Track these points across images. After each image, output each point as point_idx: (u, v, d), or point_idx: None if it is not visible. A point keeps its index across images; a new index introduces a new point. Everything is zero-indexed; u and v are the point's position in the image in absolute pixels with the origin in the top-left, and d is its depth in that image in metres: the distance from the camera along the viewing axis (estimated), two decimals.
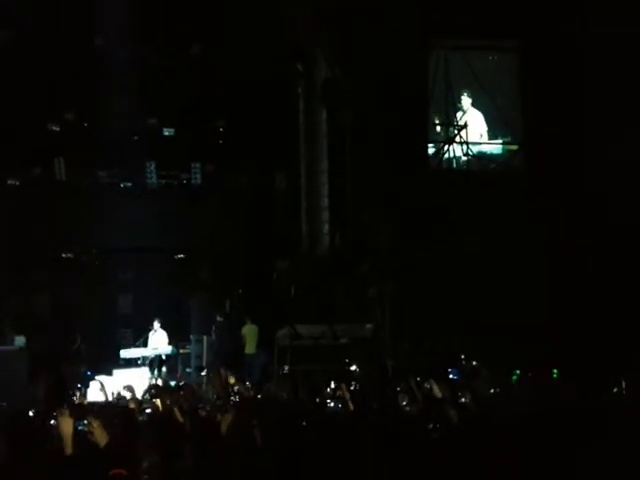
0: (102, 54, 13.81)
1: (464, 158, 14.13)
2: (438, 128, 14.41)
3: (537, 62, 13.89)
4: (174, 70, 13.86)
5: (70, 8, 13.14)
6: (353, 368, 11.31)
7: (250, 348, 12.42)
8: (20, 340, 12.53)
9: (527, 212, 13.32)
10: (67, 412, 6.50)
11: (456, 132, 14.06)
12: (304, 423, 6.44)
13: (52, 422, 6.42)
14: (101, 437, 5.70)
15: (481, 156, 14.30)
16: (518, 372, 9.27)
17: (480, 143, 14.49)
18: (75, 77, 13.51)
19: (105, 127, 13.93)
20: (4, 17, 13.12)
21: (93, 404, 9.20)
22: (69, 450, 5.63)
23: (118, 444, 5.66)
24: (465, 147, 13.96)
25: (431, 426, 6.04)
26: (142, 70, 13.59)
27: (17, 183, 14.27)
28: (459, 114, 14.35)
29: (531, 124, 14.20)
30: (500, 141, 14.61)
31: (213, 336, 12.60)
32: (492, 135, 14.64)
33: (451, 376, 9.48)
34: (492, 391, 8.01)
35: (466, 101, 14.47)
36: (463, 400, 7.48)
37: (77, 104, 14.09)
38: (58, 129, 14.31)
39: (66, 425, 5.99)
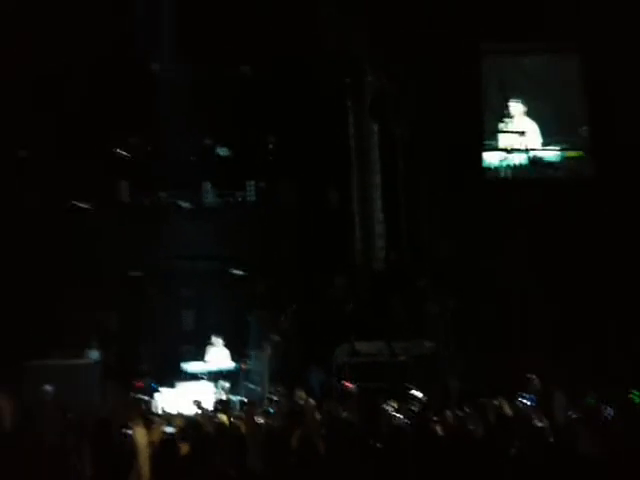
0: (158, 78, 14.24)
1: (523, 165, 13.69)
2: (495, 136, 14.01)
3: (597, 63, 13.28)
4: (226, 90, 14.09)
5: (128, 35, 13.59)
6: (412, 387, 11.16)
7: None
8: (93, 354, 13.12)
9: (594, 219, 12.77)
10: (141, 423, 6.78)
11: (515, 138, 13.63)
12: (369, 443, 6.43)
13: (128, 432, 6.68)
14: (182, 446, 5.96)
15: (541, 163, 13.82)
16: (593, 395, 8.64)
17: (539, 149, 14.00)
18: (136, 102, 13.99)
19: (165, 149, 14.34)
20: (70, 47, 13.77)
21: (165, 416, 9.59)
22: (145, 460, 5.91)
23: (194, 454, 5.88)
24: (524, 154, 13.52)
25: (508, 449, 5.86)
26: (196, 92, 13.91)
27: (86, 206, 14.94)
28: (514, 121, 13.90)
29: (595, 128, 13.59)
30: (560, 147, 14.07)
31: (269, 352, 12.76)
32: (547, 142, 14.12)
33: (525, 400, 9.03)
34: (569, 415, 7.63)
35: (520, 109, 14.01)
36: (538, 424, 7.18)
37: (139, 128, 14.60)
38: (123, 153, 14.90)
39: (141, 435, 6.29)
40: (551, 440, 6.27)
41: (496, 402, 8.05)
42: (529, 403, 8.79)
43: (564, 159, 14.10)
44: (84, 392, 11.33)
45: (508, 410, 7.45)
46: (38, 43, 13.50)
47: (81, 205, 14.81)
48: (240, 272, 14.75)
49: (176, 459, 6.11)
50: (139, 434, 6.34)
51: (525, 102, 13.96)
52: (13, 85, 13.53)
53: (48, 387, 11.02)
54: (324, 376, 12.24)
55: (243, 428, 7.46)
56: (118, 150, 14.78)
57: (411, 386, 10.93)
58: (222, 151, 14.53)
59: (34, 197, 14.32)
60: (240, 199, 14.70)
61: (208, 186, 14.57)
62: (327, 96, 14.02)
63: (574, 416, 7.38)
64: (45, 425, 6.78)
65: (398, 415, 8.14)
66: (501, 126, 13.82)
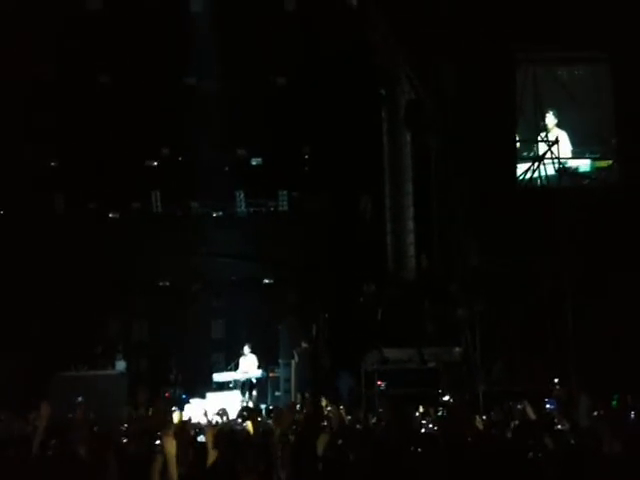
0: (192, 90, 14.49)
1: (555, 174, 13.65)
2: (528, 145, 14.01)
3: (629, 73, 13.29)
4: (260, 101, 14.28)
5: (160, 48, 13.87)
6: (442, 393, 11.06)
7: None
8: (121, 365, 13.14)
9: (625, 228, 12.66)
10: (171, 433, 6.77)
11: (547, 148, 13.62)
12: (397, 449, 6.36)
13: (157, 442, 6.67)
14: (211, 453, 5.92)
15: (573, 172, 13.77)
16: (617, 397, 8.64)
17: (571, 158, 13.96)
18: (169, 113, 14.23)
19: (197, 160, 14.52)
20: (104, 60, 14.11)
21: (194, 425, 9.56)
22: (173, 469, 5.88)
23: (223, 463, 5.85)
24: (557, 163, 13.49)
25: (529, 454, 5.80)
26: (230, 103, 14.12)
27: (118, 216, 15.11)
28: (547, 130, 13.91)
29: (626, 138, 13.55)
30: (591, 157, 14.03)
31: (297, 360, 12.71)
32: (578, 151, 14.10)
33: (548, 405, 8.92)
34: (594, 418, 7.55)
35: (551, 120, 14.03)
36: (560, 427, 7.12)
37: (171, 139, 14.82)
38: (155, 164, 15.10)
39: (170, 445, 6.26)
40: (573, 442, 6.19)
41: (520, 406, 7.98)
42: (552, 407, 8.76)
43: (595, 169, 14.06)
44: (112, 402, 11.39)
45: (532, 414, 7.36)
46: (72, 51, 13.85)
47: (113, 215, 15.01)
48: (271, 280, 14.81)
49: (206, 467, 6.09)
50: (169, 444, 6.31)
51: (557, 112, 13.99)
52: (47, 94, 13.83)
53: (80, 398, 11.10)
54: (353, 383, 12.17)
55: (268, 434, 7.44)
56: (151, 160, 15.00)
57: (440, 392, 10.86)
58: (256, 161, 14.70)
59: (66, 207, 14.57)
60: (272, 208, 14.82)
61: (241, 195, 14.72)
62: (362, 106, 14.15)
63: (597, 419, 7.28)
64: (73, 436, 6.80)
65: (426, 421, 8.08)
66: (534, 136, 13.82)
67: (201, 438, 8.65)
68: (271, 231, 14.75)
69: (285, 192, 14.75)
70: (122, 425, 9.12)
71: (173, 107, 14.22)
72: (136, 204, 15.01)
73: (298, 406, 10.29)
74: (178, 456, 6.41)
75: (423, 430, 7.85)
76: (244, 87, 14.31)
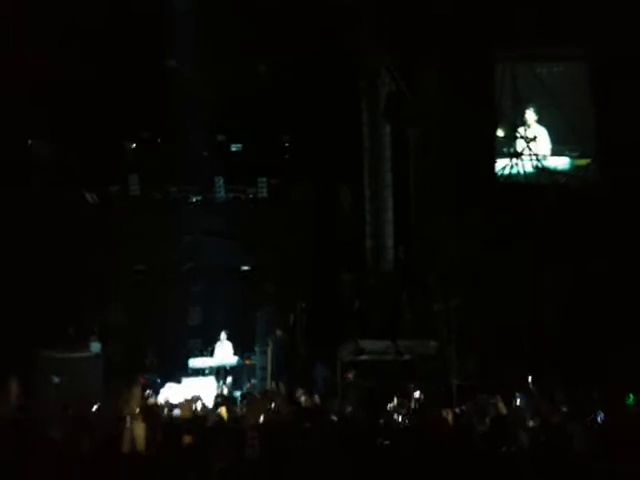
0: (173, 74, 14.33)
1: (533, 171, 13.79)
2: (506, 141, 14.11)
3: (608, 71, 13.42)
4: (241, 87, 14.18)
5: (142, 31, 13.67)
6: (416, 386, 11.19)
7: None
8: (96, 346, 13.09)
9: (601, 225, 12.87)
10: (140, 416, 6.91)
11: (525, 145, 13.74)
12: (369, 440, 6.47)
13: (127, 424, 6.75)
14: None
15: (551, 170, 13.92)
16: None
17: (549, 156, 14.11)
18: (148, 96, 14.06)
19: (176, 144, 14.41)
20: (84, 41, 13.85)
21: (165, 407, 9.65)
22: (142, 448, 6.03)
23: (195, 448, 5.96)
24: (535, 160, 13.62)
25: (500, 447, 5.91)
26: (211, 88, 13.99)
27: (95, 198, 14.94)
28: (526, 127, 14.02)
29: (604, 136, 13.71)
30: (570, 155, 14.19)
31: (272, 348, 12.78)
32: (557, 150, 14.24)
33: (519, 400, 9.09)
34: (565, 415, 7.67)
35: (531, 116, 14.13)
36: (531, 424, 7.25)
37: (150, 122, 14.66)
38: (133, 146, 14.94)
39: (138, 427, 6.41)
40: (543, 439, 6.33)
41: (492, 400, 8.12)
42: (523, 401, 8.89)
43: (574, 167, 14.22)
44: (86, 384, 11.39)
45: (503, 408, 7.51)
46: (54, 36, 13.59)
47: (90, 197, 14.84)
48: (249, 268, 14.82)
49: (178, 449, 6.21)
50: (137, 427, 6.47)
51: (537, 109, 14.09)
52: (27, 76, 13.59)
53: (56, 379, 11.10)
54: (329, 373, 12.27)
55: (242, 421, 7.58)
56: (129, 143, 14.83)
57: (413, 385, 11.00)
58: (236, 147, 14.63)
59: (43, 187, 14.38)
60: (251, 195, 14.78)
61: (220, 181, 14.66)
62: (342, 96, 14.12)
63: (567, 415, 7.44)
64: (46, 416, 6.85)
65: (398, 413, 8.21)
66: (512, 132, 13.92)
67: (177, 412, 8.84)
68: (250, 218, 14.73)
69: (265, 179, 14.73)
70: (95, 407, 9.24)
71: (153, 90, 14.06)
72: (114, 187, 14.88)
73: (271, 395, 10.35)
74: (147, 438, 6.61)
75: (396, 422, 8.00)
76: (226, 72, 14.17)
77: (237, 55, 14.02)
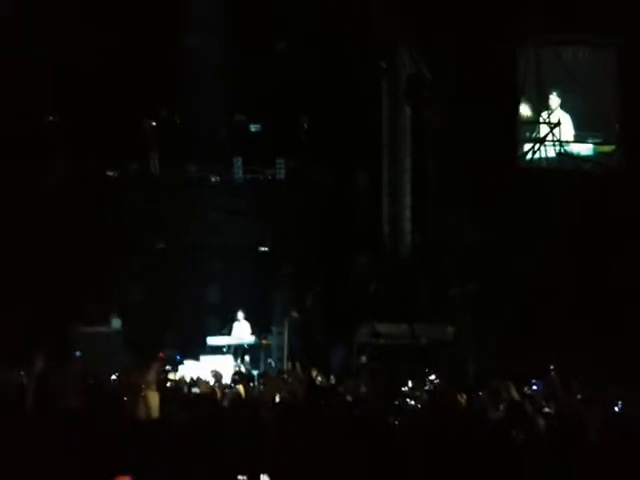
0: (193, 53, 14.27)
1: (555, 157, 13.62)
2: (529, 126, 13.91)
3: (635, 58, 13.13)
4: (261, 67, 14.11)
5: (162, 9, 13.61)
6: (431, 370, 11.25)
7: None
8: (117, 322, 13.36)
9: (623, 213, 12.71)
10: (154, 388, 7.17)
11: (548, 130, 13.55)
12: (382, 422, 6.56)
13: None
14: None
15: (574, 156, 13.73)
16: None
17: (572, 142, 13.91)
18: (168, 75, 14.04)
19: (195, 123, 14.41)
20: (104, 19, 13.83)
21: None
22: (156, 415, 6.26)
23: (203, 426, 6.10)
24: (558, 146, 13.43)
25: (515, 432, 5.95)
26: (230, 68, 13.94)
27: (115, 175, 15.05)
28: (550, 112, 13.81)
29: (630, 124, 13.48)
30: (593, 142, 13.97)
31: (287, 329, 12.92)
32: (581, 136, 14.03)
33: (534, 387, 9.11)
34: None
35: (555, 101, 13.91)
36: (547, 410, 7.27)
37: (170, 101, 14.67)
38: (153, 125, 14.96)
39: (153, 397, 6.68)
40: (557, 425, 6.35)
41: (505, 386, 8.13)
42: (538, 388, 8.87)
43: (597, 153, 14.03)
44: (107, 358, 11.64)
45: (515, 395, 7.53)
46: (72, 15, 13.57)
47: (110, 174, 14.96)
48: (267, 249, 14.90)
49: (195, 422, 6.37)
50: (152, 396, 6.70)
51: (561, 94, 13.88)
52: (46, 53, 13.61)
53: (78, 353, 11.36)
54: (345, 354, 12.39)
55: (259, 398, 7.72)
56: (149, 121, 14.86)
57: (429, 369, 11.06)
58: (255, 127, 14.60)
59: (63, 165, 14.50)
60: (269, 176, 14.79)
61: (239, 162, 14.67)
62: (362, 78, 14.00)
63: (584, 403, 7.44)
64: (65, 388, 7.06)
65: (413, 395, 8.28)
66: (536, 116, 13.73)
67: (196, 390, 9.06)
68: (268, 199, 14.77)
69: (283, 160, 14.71)
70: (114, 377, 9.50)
71: (173, 68, 14.04)
72: (134, 165, 14.98)
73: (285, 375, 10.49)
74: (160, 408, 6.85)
75: (410, 404, 8.08)
76: (245, 51, 14.11)
77: (256, 33, 13.93)
